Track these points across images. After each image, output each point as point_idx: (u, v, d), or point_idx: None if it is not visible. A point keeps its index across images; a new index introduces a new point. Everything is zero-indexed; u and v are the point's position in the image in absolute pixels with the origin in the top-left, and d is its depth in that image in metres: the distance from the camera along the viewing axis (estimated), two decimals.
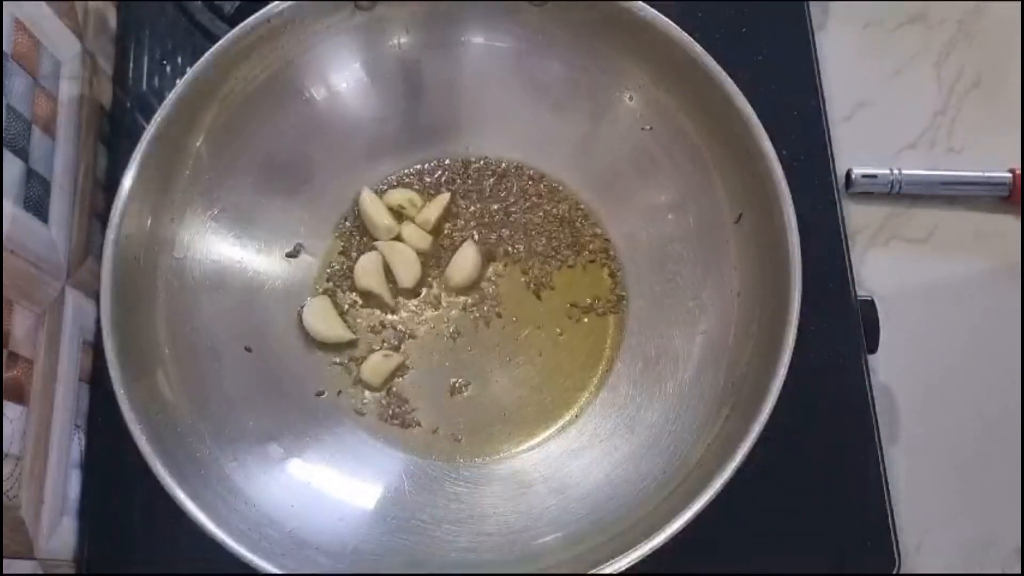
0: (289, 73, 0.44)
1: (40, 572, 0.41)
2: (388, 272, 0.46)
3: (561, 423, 0.44)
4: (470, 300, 0.47)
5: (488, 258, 0.47)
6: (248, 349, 0.43)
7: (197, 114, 0.42)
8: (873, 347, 0.47)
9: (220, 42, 0.41)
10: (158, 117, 0.40)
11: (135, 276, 0.40)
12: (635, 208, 0.47)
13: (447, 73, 0.47)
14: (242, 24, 0.41)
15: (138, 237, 0.40)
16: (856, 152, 0.54)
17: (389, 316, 0.46)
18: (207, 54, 0.41)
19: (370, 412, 0.44)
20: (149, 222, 0.41)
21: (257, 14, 0.41)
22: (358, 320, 0.46)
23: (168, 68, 0.52)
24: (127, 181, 0.39)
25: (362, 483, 0.42)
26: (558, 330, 0.46)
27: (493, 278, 0.47)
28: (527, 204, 0.48)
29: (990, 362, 0.51)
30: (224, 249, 0.44)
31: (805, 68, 0.53)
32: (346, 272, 0.47)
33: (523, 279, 0.47)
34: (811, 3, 0.55)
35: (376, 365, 0.45)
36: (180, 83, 0.41)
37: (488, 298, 0.47)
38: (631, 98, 0.45)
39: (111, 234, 0.39)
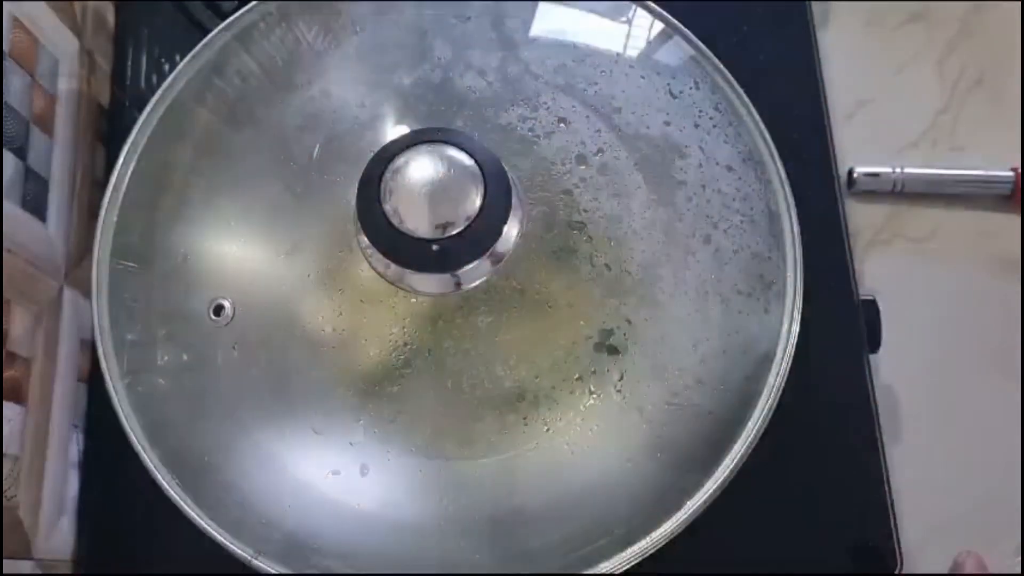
0: (287, 66, 0.44)
1: (39, 572, 0.41)
2: None
3: (563, 423, 0.44)
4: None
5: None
6: (245, 348, 0.43)
7: (191, 106, 0.42)
8: (875, 347, 0.47)
9: (211, 34, 0.41)
10: (149, 108, 0.40)
11: (128, 273, 0.40)
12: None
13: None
14: (235, 14, 0.41)
15: (131, 233, 0.40)
16: (858, 151, 0.53)
17: (389, 314, 0.46)
18: (199, 45, 0.41)
19: (369, 412, 0.44)
20: (142, 217, 0.41)
21: (250, 4, 0.41)
22: (358, 319, 0.46)
23: (167, 67, 0.52)
24: (119, 174, 0.39)
25: (361, 483, 0.42)
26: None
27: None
28: None
29: (991, 361, 0.51)
30: (221, 247, 0.44)
31: (806, 67, 0.53)
32: (345, 269, 0.46)
33: None
34: (812, 2, 0.54)
35: (370, 360, 0.44)
36: (171, 76, 0.40)
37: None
38: None
39: (103, 229, 0.39)
